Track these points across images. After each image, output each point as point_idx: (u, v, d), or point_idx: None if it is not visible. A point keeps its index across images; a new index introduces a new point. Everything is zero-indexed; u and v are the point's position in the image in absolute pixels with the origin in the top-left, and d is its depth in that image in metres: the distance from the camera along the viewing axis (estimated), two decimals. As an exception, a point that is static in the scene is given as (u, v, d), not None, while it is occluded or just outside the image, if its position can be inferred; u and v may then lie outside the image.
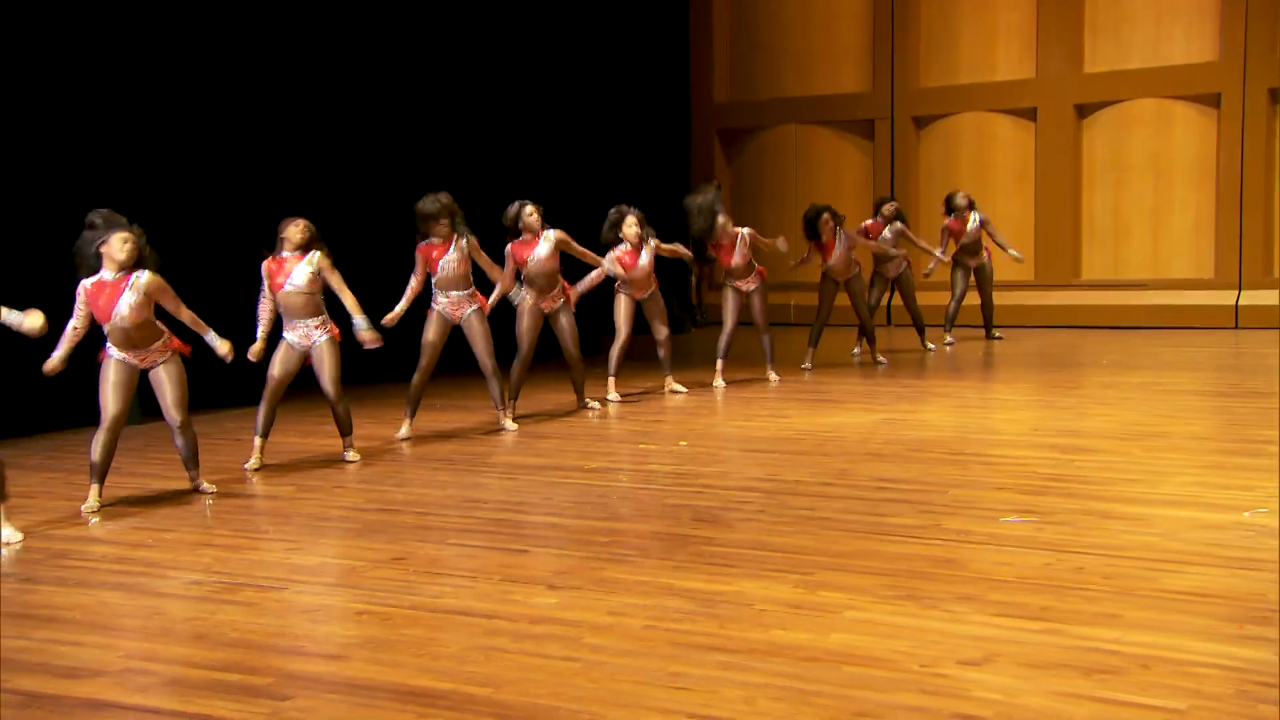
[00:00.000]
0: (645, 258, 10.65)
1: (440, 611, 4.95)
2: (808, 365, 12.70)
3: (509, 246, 9.81)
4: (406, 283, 9.16)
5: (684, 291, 17.75)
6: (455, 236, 9.03)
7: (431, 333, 9.18)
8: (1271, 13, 15.91)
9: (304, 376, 8.38)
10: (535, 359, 10.10)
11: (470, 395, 10.84)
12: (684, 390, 11.13)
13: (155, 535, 6.42)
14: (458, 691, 4.08)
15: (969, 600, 4.81)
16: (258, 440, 8.24)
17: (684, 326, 16.73)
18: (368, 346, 8.30)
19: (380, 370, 11.79)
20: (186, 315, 7.18)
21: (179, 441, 7.29)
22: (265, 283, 8.14)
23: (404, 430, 9.18)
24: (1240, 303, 16.06)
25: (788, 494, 6.94)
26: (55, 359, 6.99)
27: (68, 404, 9.74)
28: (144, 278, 6.91)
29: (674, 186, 17.97)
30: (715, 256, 12.00)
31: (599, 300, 11.98)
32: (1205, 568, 5.17)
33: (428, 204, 8.98)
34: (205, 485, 7.43)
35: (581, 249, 10.18)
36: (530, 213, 9.75)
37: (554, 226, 9.92)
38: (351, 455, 8.38)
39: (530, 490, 7.32)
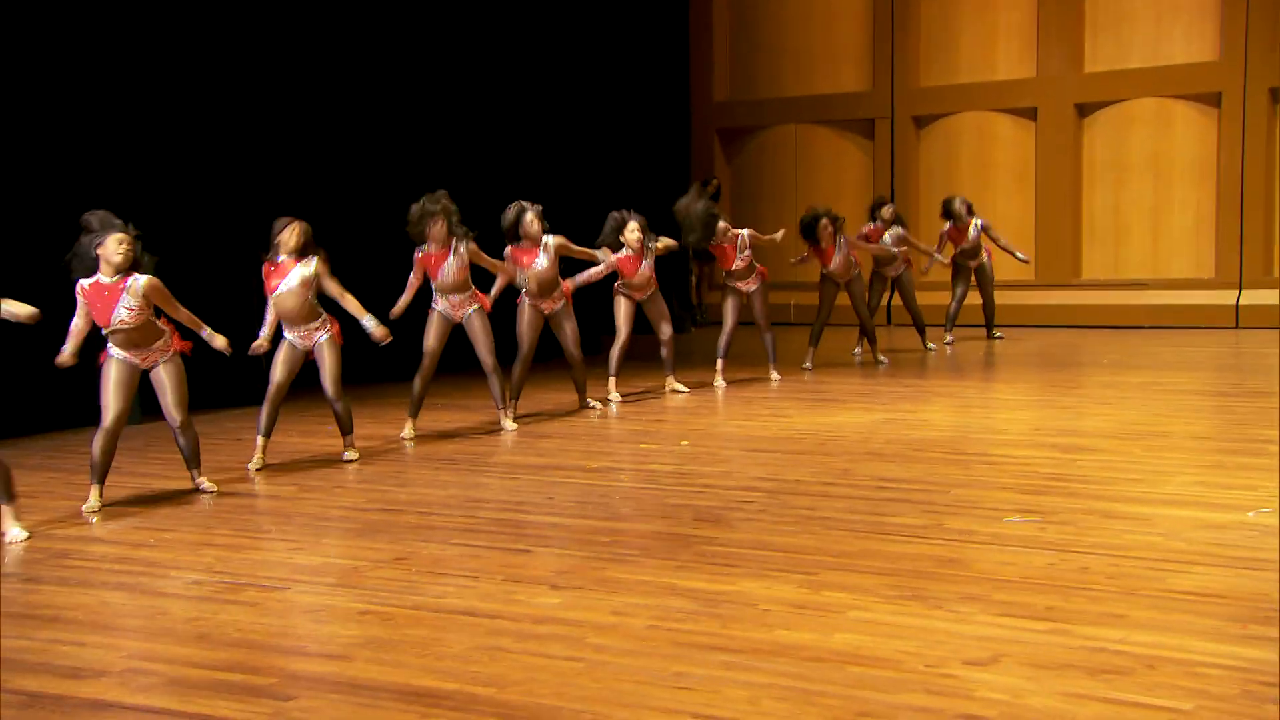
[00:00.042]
0: (646, 264, 10.64)
1: (443, 611, 4.94)
2: (808, 365, 12.69)
3: (508, 250, 9.78)
4: (404, 282, 9.15)
5: (684, 291, 17.75)
6: (454, 242, 8.99)
7: (432, 333, 9.17)
8: (1272, 12, 15.90)
9: (305, 376, 8.37)
10: (536, 359, 10.10)
11: (471, 395, 10.83)
12: (685, 390, 11.12)
13: (156, 535, 6.41)
14: (462, 692, 4.07)
15: (973, 600, 4.80)
16: (260, 440, 8.22)
17: (684, 326, 16.71)
18: (382, 343, 8.30)
19: (381, 370, 11.81)
20: (183, 315, 7.17)
21: (180, 441, 7.29)
22: (268, 296, 8.13)
23: (407, 430, 9.16)
24: (1241, 302, 16.06)
25: (789, 494, 6.93)
26: (66, 353, 7.00)
27: (67, 404, 9.74)
28: (141, 281, 6.90)
29: (674, 186, 17.96)
30: (715, 257, 11.97)
31: (599, 300, 11.96)
32: (1209, 568, 5.16)
33: (426, 205, 8.94)
34: (206, 484, 7.42)
35: (580, 249, 10.16)
36: (531, 220, 9.67)
37: (554, 226, 9.90)
38: (351, 455, 8.37)
39: (532, 490, 7.31)
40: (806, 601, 4.90)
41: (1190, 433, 8.80)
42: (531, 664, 4.31)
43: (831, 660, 4.23)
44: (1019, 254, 14.82)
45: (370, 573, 5.56)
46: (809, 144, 19.01)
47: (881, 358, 13.11)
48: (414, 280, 9.13)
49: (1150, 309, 16.42)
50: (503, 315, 9.86)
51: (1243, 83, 16.09)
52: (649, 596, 5.03)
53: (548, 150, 14.73)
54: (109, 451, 6.99)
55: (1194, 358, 13.39)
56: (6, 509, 6.34)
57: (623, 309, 10.80)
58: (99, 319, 6.92)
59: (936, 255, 14.40)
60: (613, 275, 10.70)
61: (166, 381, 7.10)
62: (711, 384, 11.47)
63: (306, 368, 8.31)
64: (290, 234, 8.03)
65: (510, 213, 9.72)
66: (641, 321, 10.95)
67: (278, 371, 8.21)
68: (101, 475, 6.99)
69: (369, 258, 10.88)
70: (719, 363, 11.59)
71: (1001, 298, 15.40)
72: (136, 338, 6.96)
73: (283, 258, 8.05)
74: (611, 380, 10.78)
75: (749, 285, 11.57)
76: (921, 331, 14.09)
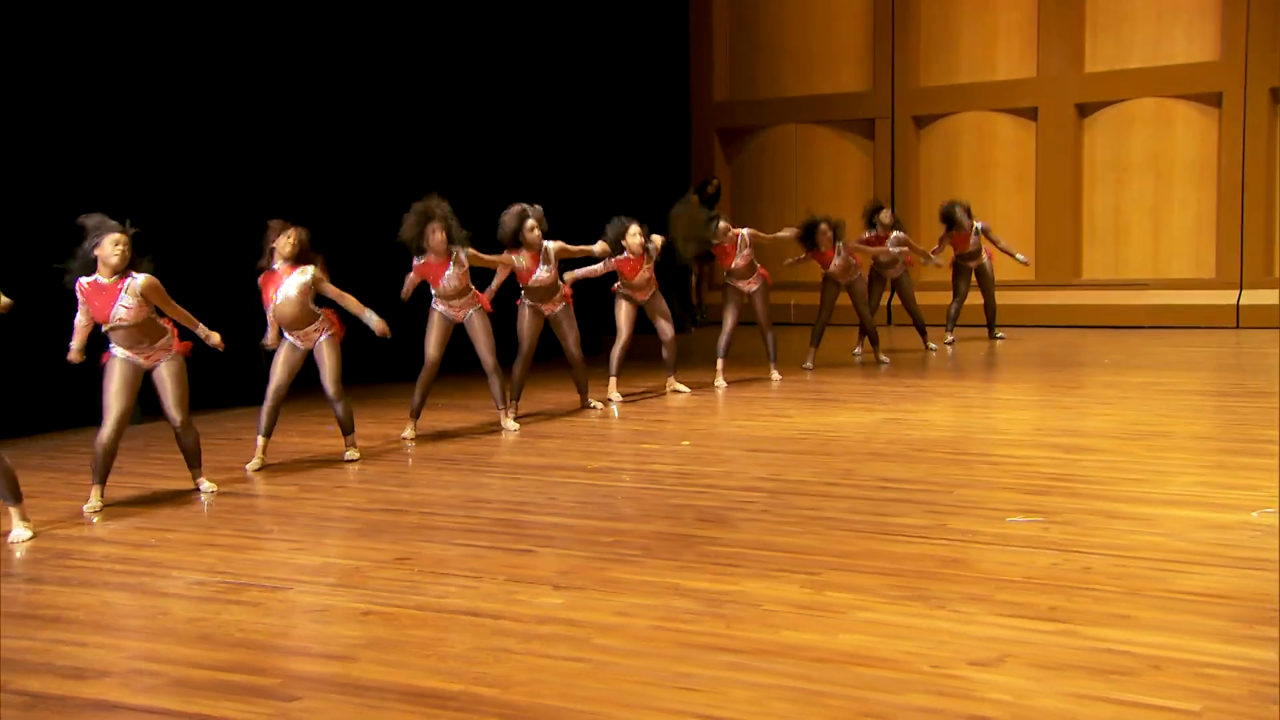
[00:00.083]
0: (647, 266, 10.62)
1: (446, 612, 4.93)
2: (809, 365, 12.69)
3: (506, 254, 9.74)
4: (402, 284, 9.18)
5: (684, 291, 17.73)
6: (454, 251, 8.97)
7: (434, 338, 9.16)
8: (1273, 12, 15.89)
9: (306, 376, 8.35)
10: (536, 359, 10.09)
11: (471, 395, 10.82)
12: (686, 390, 11.11)
13: (158, 535, 6.40)
14: (466, 692, 4.06)
15: (978, 600, 4.79)
16: (260, 440, 8.21)
17: (684, 326, 16.69)
18: (384, 337, 8.32)
19: (382, 370, 11.80)
20: (179, 313, 7.15)
21: (181, 441, 7.28)
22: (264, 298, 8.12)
23: (408, 431, 9.15)
24: (1241, 302, 16.05)
25: (792, 494, 6.92)
26: (74, 350, 7.03)
27: (67, 404, 9.73)
28: (139, 281, 6.88)
29: (674, 186, 17.96)
30: (715, 256, 11.96)
31: (600, 301, 11.96)
32: (1213, 568, 5.15)
33: (421, 215, 8.88)
34: (206, 485, 7.41)
35: (578, 248, 10.14)
36: (531, 226, 9.61)
37: (554, 226, 9.89)
38: (352, 454, 8.36)
39: (533, 490, 7.30)
40: (810, 602, 4.89)
41: (1192, 433, 8.79)
42: (535, 664, 4.29)
43: (836, 661, 4.22)
44: (1019, 256, 14.83)
45: (373, 573, 5.55)
46: (809, 144, 19.01)
47: (883, 358, 13.10)
48: (414, 277, 9.12)
49: (1151, 309, 16.41)
50: (503, 315, 9.85)
51: (1243, 83, 16.09)
52: (652, 597, 5.02)
53: (548, 150, 14.73)
54: (111, 451, 6.98)
55: (1195, 358, 13.38)
56: (14, 510, 6.33)
57: (624, 310, 10.78)
58: (98, 316, 6.92)
59: (933, 258, 14.40)
60: (613, 276, 10.68)
61: (168, 381, 7.09)
62: (712, 384, 11.45)
63: (307, 368, 8.29)
64: (286, 242, 7.99)
65: (511, 220, 9.64)
66: (642, 322, 10.94)
67: (278, 372, 8.21)
68: (103, 475, 6.98)
69: (368, 259, 10.85)
70: (719, 362, 11.58)
71: (1002, 298, 15.39)
72: (138, 334, 6.95)
73: (278, 265, 8.02)
74: (612, 380, 10.77)
75: (750, 285, 11.56)
76: (922, 332, 14.08)
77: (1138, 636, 4.31)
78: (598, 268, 10.50)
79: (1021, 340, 15.17)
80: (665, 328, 10.88)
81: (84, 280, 6.89)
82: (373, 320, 8.22)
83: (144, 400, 8.10)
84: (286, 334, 8.17)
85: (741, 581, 5.20)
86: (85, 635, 4.80)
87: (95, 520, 6.81)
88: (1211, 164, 16.47)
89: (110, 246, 6.80)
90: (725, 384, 11.46)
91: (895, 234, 13.67)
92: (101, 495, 6.99)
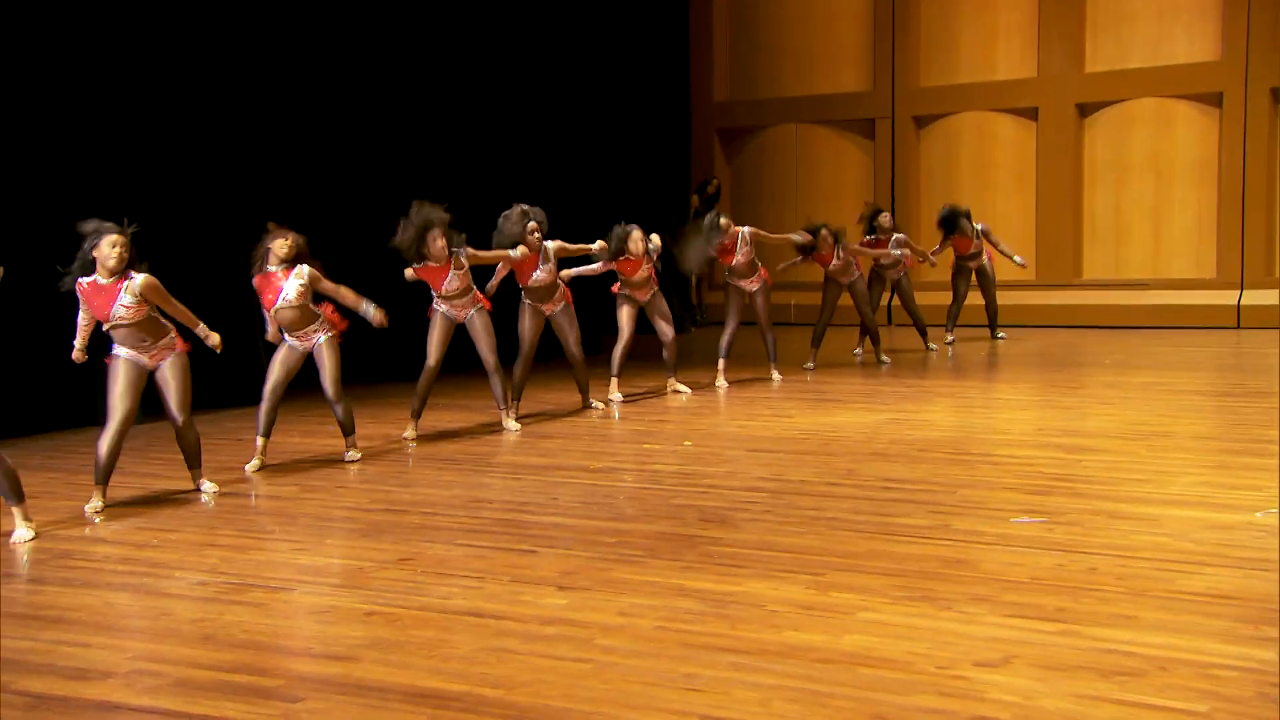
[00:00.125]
0: (647, 266, 10.61)
1: (449, 613, 4.91)
2: (810, 365, 12.69)
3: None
4: (401, 284, 9.15)
5: (684, 291, 17.72)
6: (453, 255, 8.95)
7: (436, 340, 9.14)
8: (1273, 12, 15.90)
9: (306, 376, 8.34)
10: (536, 359, 10.07)
11: (472, 395, 10.81)
12: (687, 390, 11.10)
13: (160, 536, 6.38)
14: (470, 694, 4.05)
15: (982, 601, 4.78)
16: (259, 441, 8.20)
17: (684, 326, 16.68)
18: (382, 327, 8.34)
19: (383, 371, 11.80)
20: (179, 311, 7.12)
21: (181, 441, 7.27)
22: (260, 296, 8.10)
23: (409, 431, 9.14)
24: (1242, 302, 16.05)
25: (794, 494, 6.91)
26: (77, 348, 7.04)
27: (68, 404, 9.72)
28: (138, 281, 6.86)
29: (674, 186, 17.97)
30: (717, 256, 11.92)
31: (600, 301, 11.96)
32: (1218, 568, 5.14)
33: (418, 224, 8.83)
34: (208, 485, 7.40)
35: (576, 246, 10.12)
36: (533, 229, 9.60)
37: (555, 226, 9.88)
38: (353, 455, 8.35)
39: (535, 490, 7.29)
40: (814, 602, 4.88)
41: (1194, 433, 8.79)
42: (539, 665, 4.28)
43: (842, 662, 4.21)
44: (1017, 258, 14.82)
45: (375, 573, 5.54)
46: (809, 144, 19.00)
47: (884, 358, 13.10)
48: (413, 275, 9.10)
49: (1151, 309, 16.41)
50: (504, 316, 9.84)
51: (1244, 83, 16.09)
52: (656, 597, 5.01)
53: (548, 150, 14.72)
54: (114, 452, 6.96)
55: (1195, 358, 13.37)
56: (16, 510, 6.32)
57: (625, 310, 10.77)
58: (98, 314, 6.91)
59: (931, 259, 14.41)
60: (613, 276, 10.66)
61: (171, 381, 7.08)
62: (713, 384, 11.44)
63: (307, 369, 8.28)
64: (282, 244, 7.97)
65: (514, 224, 9.60)
66: (644, 322, 10.92)
67: (275, 371, 8.20)
68: (105, 475, 6.96)
69: (368, 260, 10.82)
70: (721, 363, 11.57)
71: (1002, 298, 15.39)
72: (139, 333, 6.93)
73: (273, 269, 8.00)
74: (614, 381, 10.77)
75: (752, 284, 11.54)
76: (923, 332, 14.07)
77: (1143, 637, 4.30)
78: (596, 266, 10.48)
79: (1022, 340, 15.17)
80: (665, 329, 10.87)
81: (84, 280, 6.88)
82: (370, 311, 8.21)
83: (145, 400, 8.08)
84: (286, 335, 8.16)
85: (745, 582, 5.18)
86: (88, 636, 4.78)
87: (97, 520, 6.79)
88: (1212, 164, 16.48)
89: (108, 248, 6.78)
90: (726, 384, 11.45)
91: (896, 235, 13.66)
92: (103, 496, 6.98)
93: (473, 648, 4.48)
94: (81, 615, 5.05)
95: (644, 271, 10.62)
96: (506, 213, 9.68)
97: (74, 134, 10.00)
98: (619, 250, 10.41)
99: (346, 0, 12.58)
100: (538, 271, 9.70)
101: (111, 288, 6.83)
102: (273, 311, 8.06)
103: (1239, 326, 15.90)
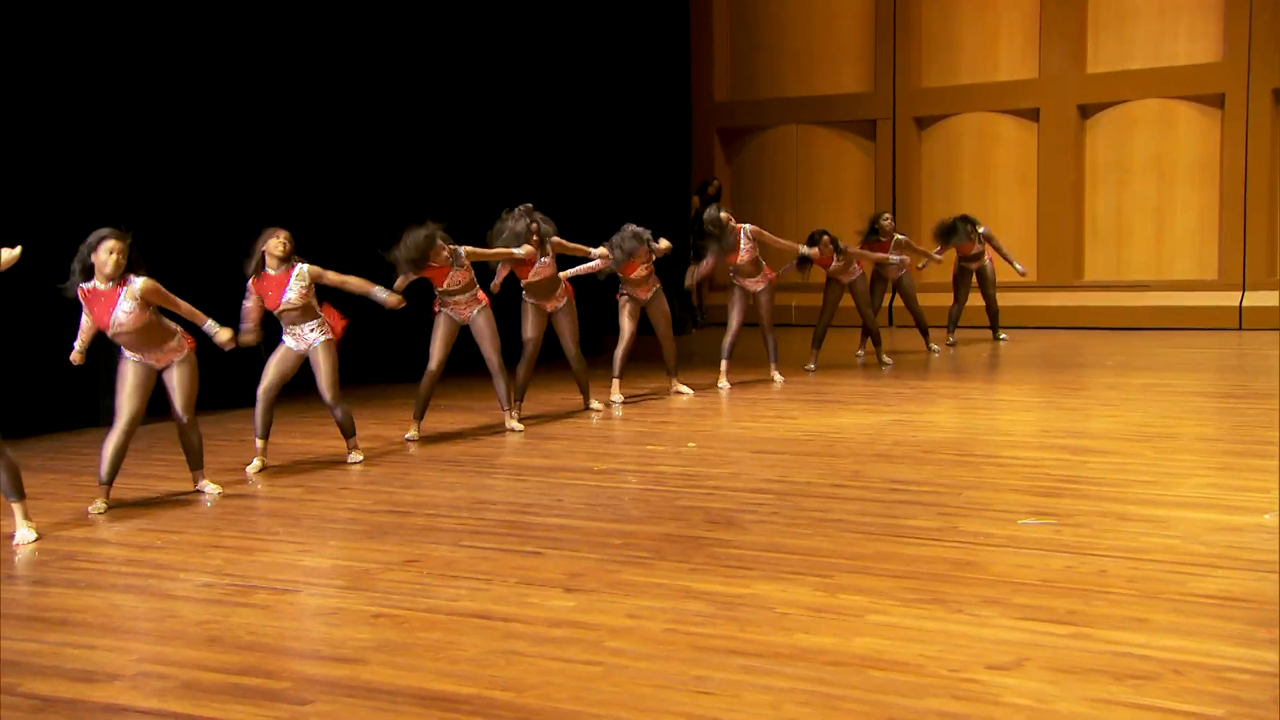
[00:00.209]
0: (646, 265, 10.58)
1: (457, 614, 4.89)
2: (811, 366, 12.67)
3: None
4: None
5: (685, 292, 17.67)
6: (454, 256, 8.92)
7: (438, 340, 9.12)
8: (1275, 12, 15.89)
9: (306, 377, 8.31)
10: (539, 360, 10.04)
11: (474, 396, 10.79)
12: (689, 391, 11.07)
13: (163, 537, 6.35)
14: (479, 696, 4.02)
15: (993, 604, 4.75)
16: (259, 443, 8.17)
17: (685, 327, 16.67)
18: (397, 308, 8.35)
19: (384, 371, 11.78)
20: (184, 309, 7.06)
21: (184, 441, 7.25)
22: (252, 296, 8.04)
23: (412, 432, 9.11)
24: (1244, 304, 16.03)
25: (800, 495, 6.89)
26: (76, 350, 6.98)
27: (69, 405, 9.69)
28: (138, 284, 6.80)
29: (675, 186, 17.94)
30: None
31: (601, 301, 11.93)
32: (1229, 571, 5.12)
33: (421, 243, 8.78)
34: (209, 487, 7.36)
35: (574, 245, 10.10)
36: (534, 230, 9.58)
37: (556, 226, 9.85)
38: (356, 457, 8.32)
39: (540, 492, 7.26)
40: (824, 605, 4.86)
41: (1199, 434, 8.77)
42: (548, 667, 4.26)
43: (853, 664, 4.19)
44: (1018, 266, 14.79)
45: (381, 575, 5.51)
46: (810, 145, 18.99)
47: (885, 359, 13.08)
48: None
49: (1153, 310, 16.40)
50: (508, 316, 9.81)
51: (1246, 84, 16.08)
52: (664, 599, 4.99)
53: (548, 150, 14.69)
54: (120, 453, 6.93)
55: (1198, 359, 13.36)
56: (16, 507, 6.29)
57: (626, 310, 10.75)
58: (99, 322, 6.85)
59: (935, 256, 14.38)
60: (615, 277, 10.65)
61: (177, 381, 7.06)
62: (714, 385, 11.42)
63: (305, 369, 8.25)
64: (277, 244, 7.94)
65: (518, 226, 9.55)
66: (645, 323, 10.89)
67: (269, 373, 8.17)
68: (110, 476, 6.93)
69: (367, 261, 10.80)
70: (723, 364, 11.54)
71: (1004, 299, 15.37)
72: (142, 340, 6.89)
73: (271, 270, 7.96)
74: (615, 382, 10.75)
75: (756, 285, 11.50)
76: (925, 333, 14.05)
77: (1156, 640, 4.28)
78: (592, 265, 10.45)
79: (1023, 342, 15.16)
80: (664, 330, 10.85)
81: (85, 285, 6.83)
82: (381, 295, 8.19)
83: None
84: (284, 335, 8.13)
85: (753, 584, 5.16)
86: (93, 638, 4.75)
87: (100, 521, 6.75)
88: (1214, 165, 16.47)
89: (105, 254, 6.72)
90: (728, 385, 11.42)
91: (897, 238, 13.63)
92: (107, 497, 6.95)
93: (481, 650, 4.45)
94: (86, 617, 5.02)
95: (643, 270, 10.59)
96: (510, 211, 9.64)
97: (75, 135, 9.97)
98: (632, 253, 10.36)
99: (347, 2, 12.55)
100: (536, 267, 9.66)
101: (111, 293, 6.78)
102: (279, 312, 8.03)
103: (1241, 328, 15.89)
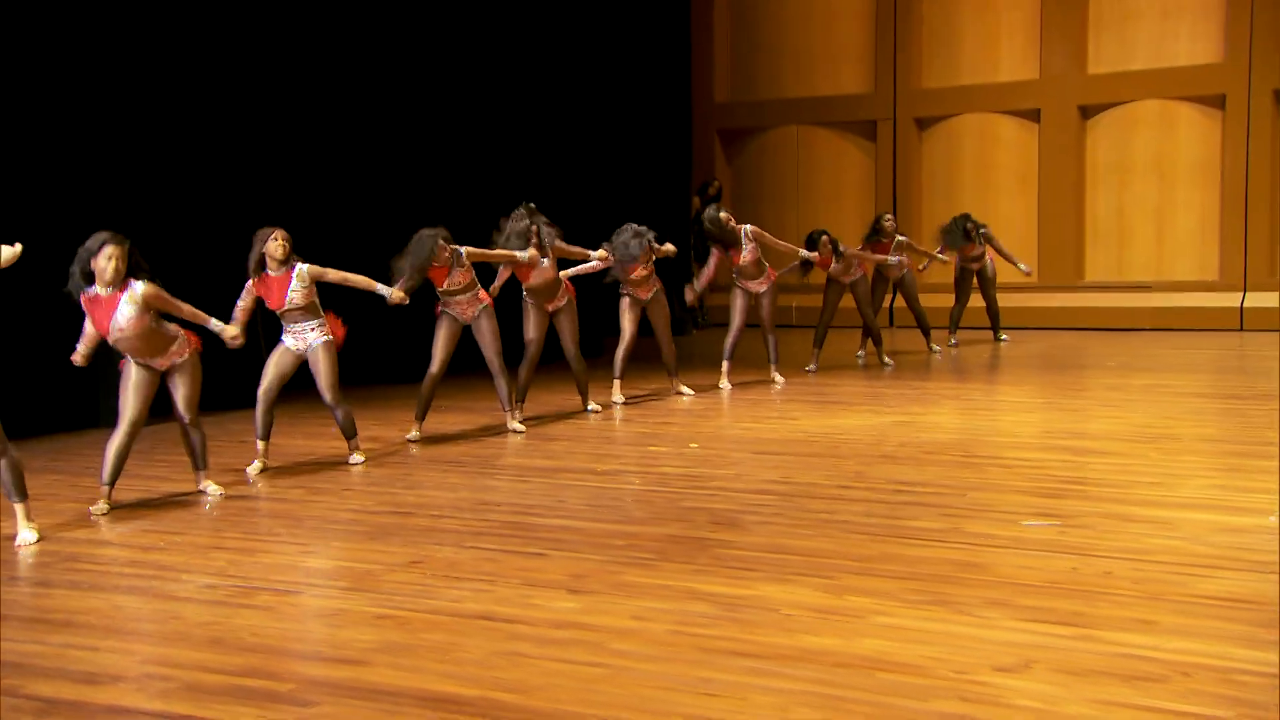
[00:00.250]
0: (646, 266, 10.57)
1: (460, 616, 4.87)
2: (812, 367, 12.66)
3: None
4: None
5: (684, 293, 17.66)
6: (454, 255, 8.91)
7: (442, 340, 9.10)
8: (1276, 13, 15.89)
9: (307, 378, 8.30)
10: (540, 361, 10.02)
11: (475, 397, 10.78)
12: (690, 392, 11.06)
13: (166, 538, 6.34)
14: (484, 698, 4.01)
15: (998, 605, 4.74)
16: (260, 444, 8.16)
17: (685, 328, 16.66)
18: (402, 304, 8.37)
19: (385, 372, 11.77)
20: (187, 312, 7.03)
21: (188, 440, 7.24)
22: (248, 296, 8.02)
23: (413, 433, 9.11)
24: (1245, 305, 16.03)
25: (803, 497, 6.88)
26: (79, 353, 6.97)
27: (71, 407, 9.68)
28: (139, 289, 6.76)
29: (675, 187, 17.92)
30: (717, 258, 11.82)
31: (601, 302, 11.92)
32: (1235, 572, 5.10)
33: (427, 252, 8.77)
34: (212, 487, 7.35)
35: (575, 249, 10.08)
36: (535, 231, 9.57)
37: (556, 227, 9.84)
38: (357, 458, 8.30)
39: (542, 493, 7.25)
40: (829, 606, 4.85)
41: (1202, 435, 8.75)
42: (553, 669, 4.25)
43: (858, 666, 4.17)
44: (1022, 266, 14.78)
45: (384, 576, 5.50)
46: (810, 145, 18.98)
47: (886, 360, 13.07)
48: None
49: (1154, 311, 16.40)
50: (509, 317, 9.80)
51: (1247, 84, 16.08)
52: (668, 601, 4.98)
53: (549, 151, 14.68)
54: (123, 454, 6.91)
55: (1199, 360, 13.36)
56: (18, 507, 6.27)
57: (627, 311, 10.74)
58: (99, 328, 6.82)
59: (938, 256, 14.37)
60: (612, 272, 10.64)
61: (181, 381, 7.05)
62: (716, 386, 11.41)
63: (304, 370, 8.24)
64: (275, 245, 7.92)
65: (521, 229, 9.53)
66: (646, 323, 10.88)
67: (269, 374, 8.16)
68: (113, 477, 6.91)
69: (367, 263, 10.80)
70: (725, 364, 11.53)
71: (1004, 300, 15.36)
72: (143, 347, 6.86)
73: (272, 271, 7.95)
74: (616, 383, 10.74)
75: (759, 286, 11.47)
76: (926, 333, 14.05)
77: (1163, 642, 4.27)
78: (591, 265, 10.43)
79: (1025, 342, 15.15)
80: (664, 331, 10.84)
81: (87, 291, 6.79)
82: (384, 290, 8.19)
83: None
84: (285, 335, 8.12)
85: (757, 585, 5.15)
86: (96, 640, 4.74)
87: (102, 523, 6.74)
88: (1215, 166, 16.46)
89: (104, 260, 6.69)
90: (730, 386, 11.41)
91: (898, 239, 13.61)
92: (109, 497, 6.93)
93: (485, 651, 4.44)
94: (89, 619, 5.01)
95: (643, 270, 10.58)
96: (514, 212, 9.62)
97: (75, 135, 9.96)
98: (634, 254, 10.35)
99: (347, 2, 12.54)
100: (538, 271, 9.65)
101: (111, 299, 6.74)
102: (283, 312, 8.02)
103: (1242, 329, 15.89)
